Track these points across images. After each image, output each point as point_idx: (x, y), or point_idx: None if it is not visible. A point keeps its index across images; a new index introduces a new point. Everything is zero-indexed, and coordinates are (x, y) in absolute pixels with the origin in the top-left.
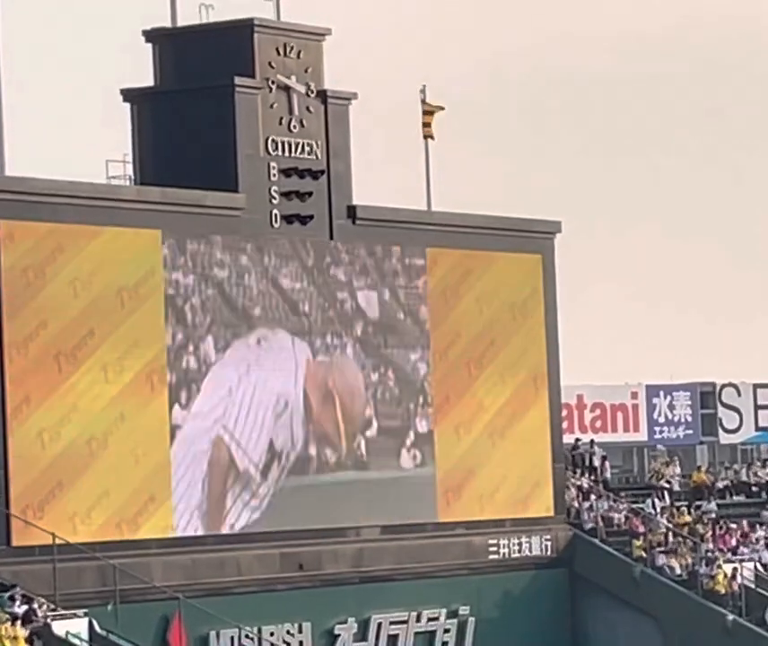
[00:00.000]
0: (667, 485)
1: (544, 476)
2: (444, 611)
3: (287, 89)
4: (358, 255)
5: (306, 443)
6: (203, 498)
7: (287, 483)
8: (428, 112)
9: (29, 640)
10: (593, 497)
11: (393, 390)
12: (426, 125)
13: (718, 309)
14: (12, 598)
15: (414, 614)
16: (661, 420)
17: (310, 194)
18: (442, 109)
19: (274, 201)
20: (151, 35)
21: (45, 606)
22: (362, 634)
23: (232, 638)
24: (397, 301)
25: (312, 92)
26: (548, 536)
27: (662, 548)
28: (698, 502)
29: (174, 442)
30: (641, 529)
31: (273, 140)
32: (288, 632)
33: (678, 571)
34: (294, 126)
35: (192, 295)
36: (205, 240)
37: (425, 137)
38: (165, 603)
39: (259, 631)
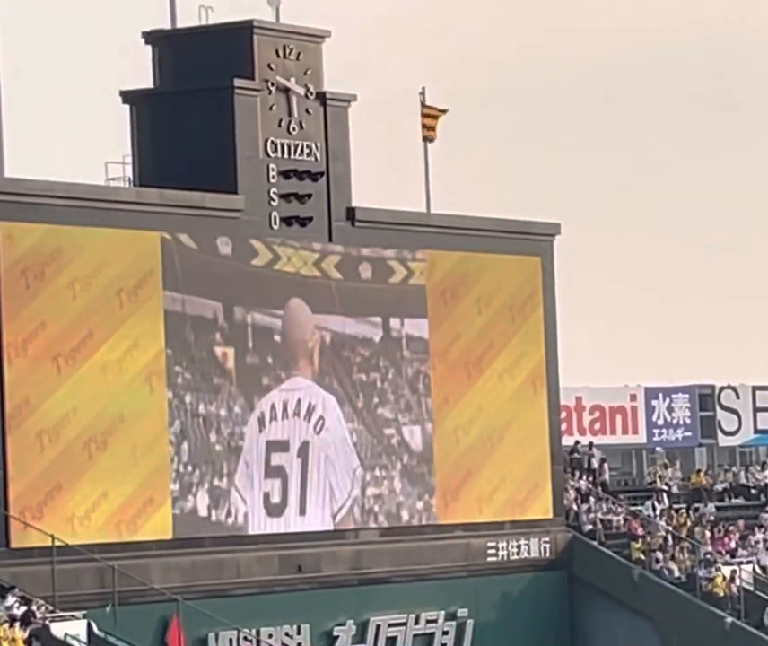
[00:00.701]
0: (665, 488)
1: (542, 479)
2: (443, 613)
3: (286, 91)
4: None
5: None
6: None
7: None
8: (429, 115)
9: (27, 641)
10: (592, 499)
11: None
12: (426, 127)
13: (717, 311)
14: (2, 596)
15: (412, 616)
16: (660, 422)
17: (310, 196)
18: (444, 111)
19: (273, 203)
20: (150, 37)
21: (43, 608)
22: (360, 636)
23: (231, 640)
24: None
25: (311, 94)
26: (547, 539)
27: (661, 551)
28: (696, 505)
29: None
30: (640, 532)
31: (272, 142)
32: (287, 634)
33: (677, 574)
34: (293, 128)
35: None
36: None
37: (425, 139)
38: (164, 605)
39: (258, 632)
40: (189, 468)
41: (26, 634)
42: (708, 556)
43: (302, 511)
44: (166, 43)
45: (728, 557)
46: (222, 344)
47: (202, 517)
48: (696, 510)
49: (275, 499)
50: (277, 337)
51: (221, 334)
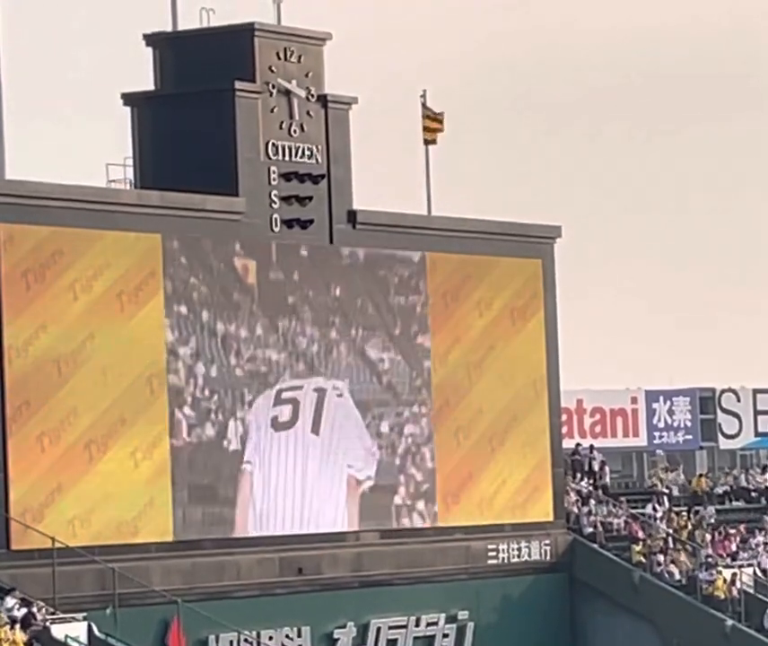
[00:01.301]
0: (666, 491)
1: (543, 481)
2: (443, 616)
3: (287, 93)
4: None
5: None
6: None
7: None
8: (430, 118)
9: (28, 643)
10: (592, 502)
11: None
12: (427, 130)
13: (717, 314)
14: (3, 598)
15: (413, 618)
16: (661, 425)
17: (311, 198)
18: (441, 124)
19: (274, 205)
20: (151, 39)
21: (44, 610)
22: (361, 639)
23: (231, 642)
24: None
25: (313, 97)
26: (547, 541)
27: (662, 553)
28: (697, 508)
29: None
30: (641, 535)
31: (273, 144)
32: (287, 637)
33: (678, 577)
34: (295, 131)
35: None
36: None
37: (426, 142)
38: (164, 607)
39: (258, 635)
40: (207, 393)
41: (26, 636)
42: (708, 559)
43: (315, 430)
44: (167, 45)
45: (728, 560)
46: (242, 256)
47: (225, 449)
48: (697, 512)
49: (284, 418)
50: (304, 252)
51: (241, 244)
